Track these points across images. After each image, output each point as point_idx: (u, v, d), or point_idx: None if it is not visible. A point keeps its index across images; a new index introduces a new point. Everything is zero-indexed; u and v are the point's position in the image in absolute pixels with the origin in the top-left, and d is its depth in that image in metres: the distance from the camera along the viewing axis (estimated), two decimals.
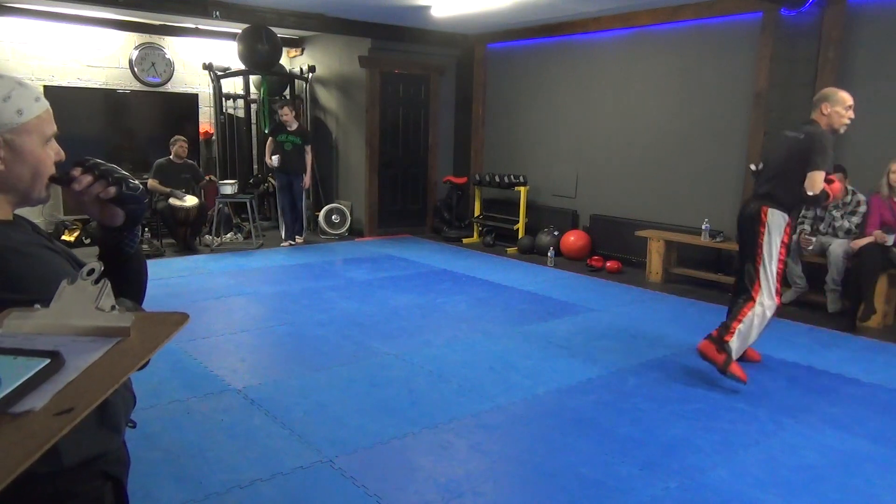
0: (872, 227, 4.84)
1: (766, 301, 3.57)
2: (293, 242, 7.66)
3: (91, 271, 0.94)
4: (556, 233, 7.26)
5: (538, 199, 7.85)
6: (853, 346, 4.43)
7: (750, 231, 3.65)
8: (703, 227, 5.93)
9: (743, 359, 3.92)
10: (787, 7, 5.41)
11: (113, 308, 0.92)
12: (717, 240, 5.87)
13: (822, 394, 3.58)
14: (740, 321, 3.56)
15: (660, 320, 4.95)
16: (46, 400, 0.74)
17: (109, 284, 0.94)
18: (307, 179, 7.61)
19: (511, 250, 7.62)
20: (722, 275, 5.91)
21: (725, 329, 3.58)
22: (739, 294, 3.73)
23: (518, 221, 7.71)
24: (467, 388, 3.57)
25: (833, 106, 3.51)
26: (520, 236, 7.64)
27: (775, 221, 3.56)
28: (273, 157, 7.44)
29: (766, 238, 3.57)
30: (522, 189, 7.62)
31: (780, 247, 3.58)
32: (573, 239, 7.12)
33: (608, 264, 6.66)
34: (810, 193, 3.45)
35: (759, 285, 3.58)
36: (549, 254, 6.90)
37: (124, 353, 0.83)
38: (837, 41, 5.24)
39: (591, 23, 7.00)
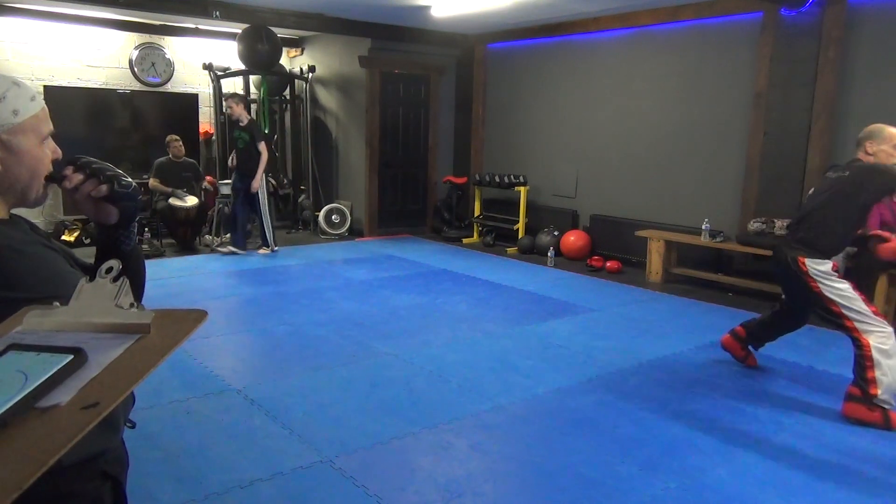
0: (872, 227, 4.83)
1: (879, 334, 3.16)
2: (234, 250, 6.88)
3: (110, 269, 0.94)
4: (556, 233, 7.26)
5: (538, 199, 7.85)
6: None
7: (795, 283, 3.35)
8: (703, 227, 5.93)
9: (744, 363, 3.94)
10: (787, 7, 5.41)
11: (132, 305, 0.92)
12: (717, 240, 5.87)
13: (822, 394, 3.58)
14: (873, 370, 3.13)
15: (660, 320, 4.94)
16: (72, 394, 0.75)
17: (128, 282, 0.94)
18: (255, 182, 6.83)
19: (511, 250, 7.62)
20: (722, 275, 5.91)
21: (865, 382, 3.15)
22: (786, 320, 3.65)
23: (518, 221, 7.71)
24: (467, 388, 3.57)
25: (879, 144, 3.19)
26: (520, 236, 7.64)
27: (819, 270, 3.24)
28: (230, 158, 7.19)
29: (824, 288, 3.24)
30: (522, 189, 7.62)
31: (847, 283, 3.24)
32: (573, 239, 7.12)
33: (608, 264, 6.66)
34: None
35: (857, 327, 3.18)
36: (549, 254, 6.90)
37: (146, 350, 0.84)
38: (837, 41, 5.24)
39: (591, 23, 7.00)
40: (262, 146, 6.86)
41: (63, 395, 0.74)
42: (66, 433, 0.68)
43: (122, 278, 0.94)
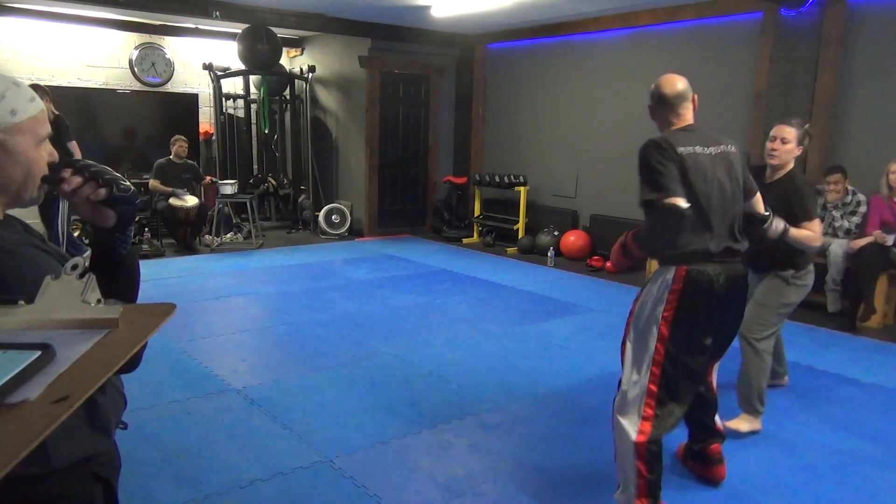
0: (872, 227, 4.84)
1: None
2: None
3: (75, 266, 0.94)
4: (556, 233, 7.26)
5: (538, 199, 7.85)
6: (853, 346, 4.43)
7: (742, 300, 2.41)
8: None
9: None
10: (787, 7, 5.41)
11: (99, 301, 0.92)
12: None
13: (822, 394, 3.58)
14: None
15: None
16: (41, 390, 0.74)
17: (94, 278, 0.93)
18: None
19: (511, 250, 7.62)
20: None
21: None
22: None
23: (518, 221, 7.70)
24: (467, 388, 3.57)
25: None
26: (520, 236, 7.64)
27: None
28: None
29: None
30: (522, 189, 7.62)
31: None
32: (573, 239, 7.13)
33: (608, 264, 6.66)
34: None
35: None
36: (549, 254, 6.90)
37: (114, 344, 0.84)
38: (837, 41, 5.24)
39: (591, 23, 7.00)
40: (73, 146, 5.92)
41: (32, 391, 0.74)
42: (36, 427, 0.68)
43: (88, 274, 0.93)
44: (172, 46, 8.28)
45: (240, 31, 7.60)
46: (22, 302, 0.92)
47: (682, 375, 2.23)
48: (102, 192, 1.10)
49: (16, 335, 0.86)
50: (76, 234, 7.18)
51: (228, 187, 7.40)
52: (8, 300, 0.94)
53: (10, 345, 0.81)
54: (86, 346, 0.83)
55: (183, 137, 7.34)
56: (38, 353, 0.79)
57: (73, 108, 7.42)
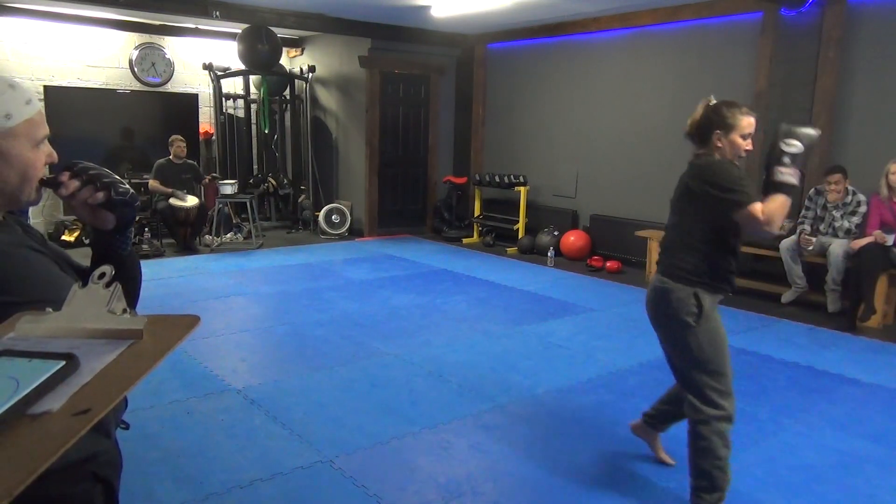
0: (872, 228, 4.84)
1: None
2: None
3: (102, 275, 0.94)
4: (556, 233, 7.26)
5: (538, 199, 7.85)
6: (853, 346, 4.43)
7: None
8: None
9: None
10: (787, 7, 5.41)
11: (124, 311, 0.92)
12: None
13: (822, 394, 3.58)
14: None
15: None
16: (64, 401, 0.74)
17: (121, 288, 0.94)
18: None
19: (511, 250, 7.62)
20: None
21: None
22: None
23: (518, 221, 7.71)
24: (467, 388, 3.57)
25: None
26: (520, 236, 7.64)
27: None
28: None
29: None
30: (522, 189, 7.62)
31: None
32: (573, 239, 7.13)
33: (608, 264, 6.66)
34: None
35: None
36: (549, 254, 6.90)
37: (138, 355, 0.84)
38: (837, 41, 5.24)
39: (591, 23, 7.00)
40: None
41: (55, 402, 0.74)
42: (57, 440, 0.68)
43: (114, 284, 0.93)
44: (172, 46, 8.28)
45: (240, 31, 7.60)
46: (49, 309, 0.93)
47: None
48: (100, 195, 1.09)
49: (42, 343, 0.86)
50: (76, 235, 7.19)
51: (228, 187, 7.40)
52: (30, 305, 0.94)
53: (36, 353, 0.81)
54: (110, 356, 0.83)
55: (181, 137, 7.33)
56: (63, 362, 0.79)
57: (73, 108, 7.43)
